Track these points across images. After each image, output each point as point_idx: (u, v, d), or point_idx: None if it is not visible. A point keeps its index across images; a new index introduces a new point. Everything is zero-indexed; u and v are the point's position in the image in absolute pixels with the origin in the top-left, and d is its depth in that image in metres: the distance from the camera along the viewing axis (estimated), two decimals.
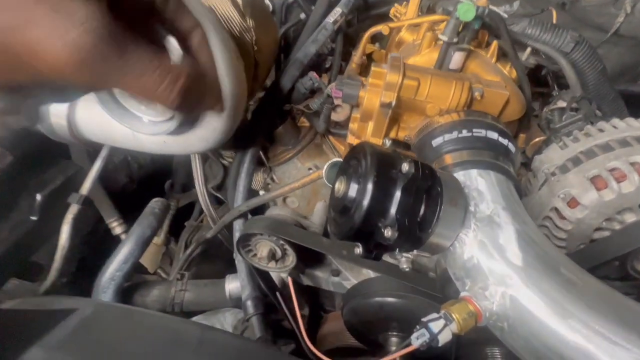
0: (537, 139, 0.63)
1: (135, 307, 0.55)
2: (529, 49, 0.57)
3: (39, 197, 0.61)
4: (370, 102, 0.48)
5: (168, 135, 0.56)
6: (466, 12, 0.46)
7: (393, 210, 0.29)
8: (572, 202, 0.43)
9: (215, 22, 0.47)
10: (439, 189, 0.31)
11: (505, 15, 0.66)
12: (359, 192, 0.30)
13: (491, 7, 0.64)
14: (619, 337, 0.25)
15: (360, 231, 0.30)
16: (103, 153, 0.70)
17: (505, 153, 0.41)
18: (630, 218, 0.41)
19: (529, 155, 0.63)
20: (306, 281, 0.75)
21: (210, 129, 0.56)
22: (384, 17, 0.93)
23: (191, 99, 0.22)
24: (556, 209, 0.44)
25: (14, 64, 0.16)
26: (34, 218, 0.61)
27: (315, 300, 0.84)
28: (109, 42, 0.17)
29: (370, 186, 0.29)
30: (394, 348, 0.53)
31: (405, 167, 0.29)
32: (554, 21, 0.68)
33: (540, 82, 0.76)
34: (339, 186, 0.33)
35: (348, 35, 0.96)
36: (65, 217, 0.65)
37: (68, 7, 0.17)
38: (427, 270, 0.58)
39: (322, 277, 0.72)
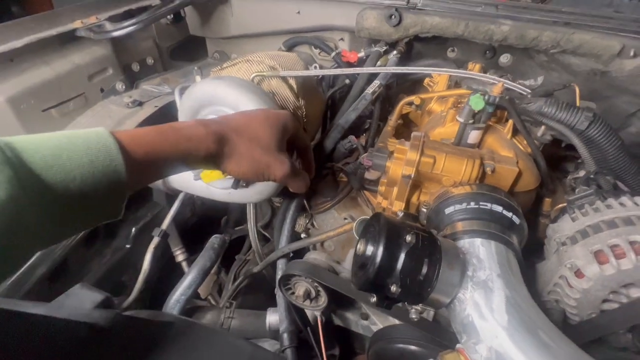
0: (560, 205, 0.66)
1: (204, 324, 0.67)
2: (543, 127, 0.63)
3: (134, 230, 0.78)
4: (395, 172, 0.58)
5: (232, 189, 0.71)
6: (476, 103, 0.55)
7: (398, 270, 0.38)
8: (578, 273, 0.47)
9: (274, 106, 0.63)
10: (438, 255, 0.39)
11: (529, 91, 0.74)
12: (373, 253, 0.39)
13: (511, 84, 0.72)
14: None
15: (373, 284, 0.39)
16: (180, 197, 0.88)
17: (509, 225, 0.47)
18: (635, 293, 0.43)
19: (553, 218, 0.66)
20: (337, 321, 0.82)
21: (265, 185, 0.70)
22: (420, 82, 1.05)
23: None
24: (565, 278, 0.48)
25: (261, 174, 0.46)
26: (128, 246, 0.78)
27: (347, 342, 0.90)
28: (293, 169, 0.48)
29: (380, 250, 0.38)
30: None
31: (408, 238, 0.38)
32: (577, 96, 0.73)
33: (572, 146, 0.80)
34: (360, 246, 0.43)
35: (388, 96, 1.08)
36: (149, 247, 0.82)
37: (284, 160, 0.47)
38: (448, 323, 0.63)
39: (352, 319, 0.79)
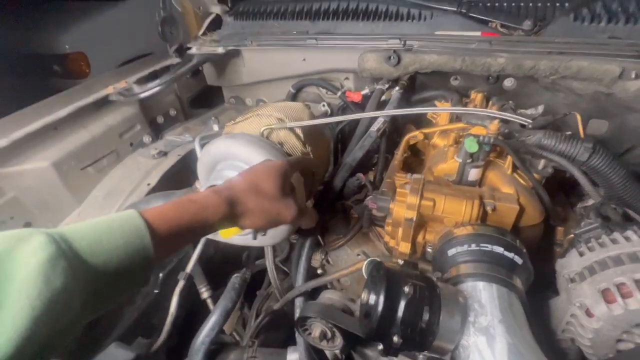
0: (569, 237, 0.66)
1: None
2: (543, 160, 0.64)
3: (161, 275, 0.84)
4: (398, 213, 0.61)
5: (251, 233, 0.75)
6: (470, 145, 0.58)
7: (399, 320, 0.40)
8: (588, 312, 0.46)
9: (281, 157, 0.68)
10: (437, 304, 0.41)
11: (530, 121, 0.75)
12: (375, 302, 0.42)
13: (510, 117, 0.74)
14: None
15: (377, 333, 0.41)
16: (202, 241, 0.94)
17: (510, 266, 0.48)
18: None
19: (565, 249, 0.66)
20: (357, 358, 0.82)
21: (280, 230, 0.74)
22: (426, 113, 1.07)
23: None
24: (576, 317, 0.48)
25: (274, 222, 0.53)
26: (156, 291, 0.84)
27: None
28: (300, 212, 0.55)
29: (381, 300, 0.41)
30: None
31: (406, 289, 0.40)
32: (579, 124, 0.74)
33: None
34: (364, 295, 0.45)
35: (395, 127, 1.12)
36: (175, 290, 0.87)
37: (290, 204, 0.54)
38: None
39: (372, 356, 0.79)
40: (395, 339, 0.39)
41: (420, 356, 0.44)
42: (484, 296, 0.45)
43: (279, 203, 0.52)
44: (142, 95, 1.04)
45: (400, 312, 0.40)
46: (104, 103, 1.04)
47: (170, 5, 1.17)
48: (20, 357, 0.27)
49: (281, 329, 1.04)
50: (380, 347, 0.43)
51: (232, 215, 0.47)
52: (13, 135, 0.81)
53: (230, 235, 0.57)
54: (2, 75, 2.54)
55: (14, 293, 0.27)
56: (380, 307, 0.41)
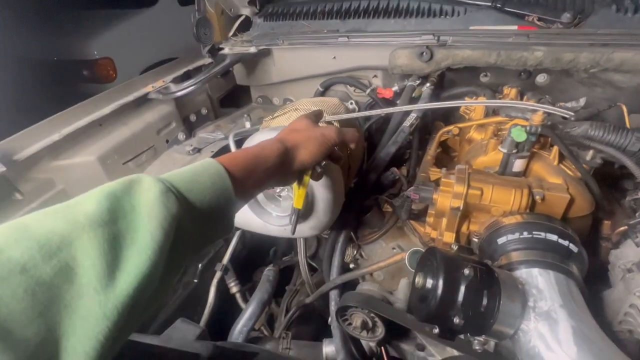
0: (621, 229, 0.64)
1: (280, 354, 0.72)
2: (592, 151, 0.63)
3: (200, 266, 0.87)
4: (443, 204, 0.61)
5: (288, 225, 0.77)
6: (518, 135, 0.57)
7: (459, 303, 0.40)
8: None
9: None
10: (497, 287, 0.41)
11: (572, 114, 0.74)
12: (433, 286, 0.42)
13: (552, 109, 0.73)
14: None
15: (436, 316, 0.42)
16: (238, 234, 0.96)
17: (566, 253, 0.48)
18: None
19: (615, 242, 0.64)
20: (392, 352, 0.82)
21: (318, 220, 0.75)
22: (455, 107, 1.07)
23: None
24: (636, 307, 0.47)
25: (323, 143, 0.55)
26: (195, 281, 0.86)
27: None
28: (341, 131, 0.57)
29: (441, 283, 0.41)
30: None
31: (466, 271, 0.40)
32: (626, 116, 0.72)
33: None
34: (419, 280, 0.46)
35: (425, 124, 1.12)
36: (212, 281, 0.90)
37: (327, 126, 0.57)
38: (512, 356, 0.61)
39: (407, 350, 0.79)
40: (456, 320, 0.39)
41: (476, 341, 0.44)
42: (540, 282, 0.44)
43: (318, 128, 0.57)
44: (179, 93, 1.07)
45: (460, 295, 0.40)
46: (142, 101, 1.08)
47: (205, 8, 1.21)
48: (156, 272, 0.30)
49: (310, 322, 1.05)
50: (436, 330, 0.43)
51: (285, 151, 0.51)
52: (64, 130, 0.85)
53: (302, 197, 0.58)
54: (38, 80, 2.67)
55: (144, 218, 0.31)
56: (439, 290, 0.41)
